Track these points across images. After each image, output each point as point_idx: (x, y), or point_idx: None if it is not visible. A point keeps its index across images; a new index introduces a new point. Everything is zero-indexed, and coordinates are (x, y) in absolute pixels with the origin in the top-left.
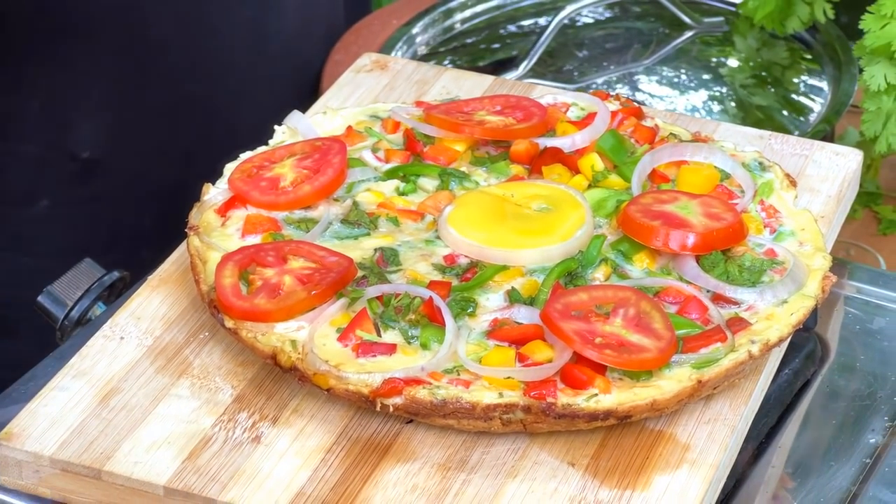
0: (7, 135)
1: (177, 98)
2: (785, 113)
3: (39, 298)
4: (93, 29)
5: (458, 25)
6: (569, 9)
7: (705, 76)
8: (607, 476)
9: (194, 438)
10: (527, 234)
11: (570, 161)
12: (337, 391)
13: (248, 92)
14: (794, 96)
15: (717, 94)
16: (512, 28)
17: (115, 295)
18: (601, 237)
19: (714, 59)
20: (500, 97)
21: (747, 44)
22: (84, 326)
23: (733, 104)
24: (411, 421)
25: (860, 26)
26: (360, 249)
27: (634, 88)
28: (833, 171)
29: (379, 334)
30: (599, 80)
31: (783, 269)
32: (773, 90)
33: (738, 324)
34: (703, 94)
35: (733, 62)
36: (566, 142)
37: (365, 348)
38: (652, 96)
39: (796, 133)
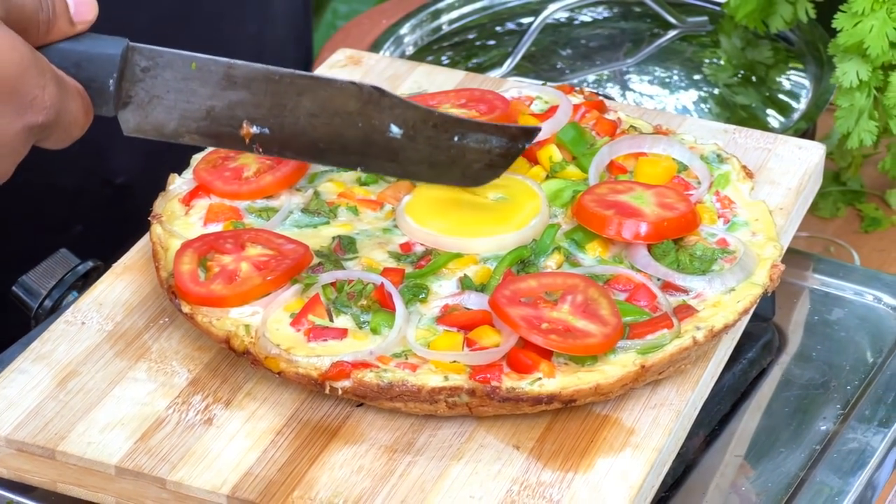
0: (47, 170)
1: None
2: (769, 112)
3: (14, 288)
4: None
5: (445, 26)
6: (551, 7)
7: (696, 76)
8: (551, 458)
9: (148, 420)
10: (481, 223)
11: (529, 152)
12: (287, 374)
13: None
14: (779, 95)
15: (707, 93)
16: (499, 29)
17: (89, 284)
18: (555, 226)
19: (707, 60)
20: (465, 91)
21: (732, 43)
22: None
23: (716, 104)
24: (361, 404)
25: (833, 25)
26: (319, 237)
27: (625, 87)
28: (794, 164)
29: (331, 319)
30: (591, 79)
31: (734, 258)
32: (756, 89)
33: (684, 311)
34: (692, 94)
35: (720, 62)
36: None
37: (316, 333)
38: (642, 95)
39: (777, 130)
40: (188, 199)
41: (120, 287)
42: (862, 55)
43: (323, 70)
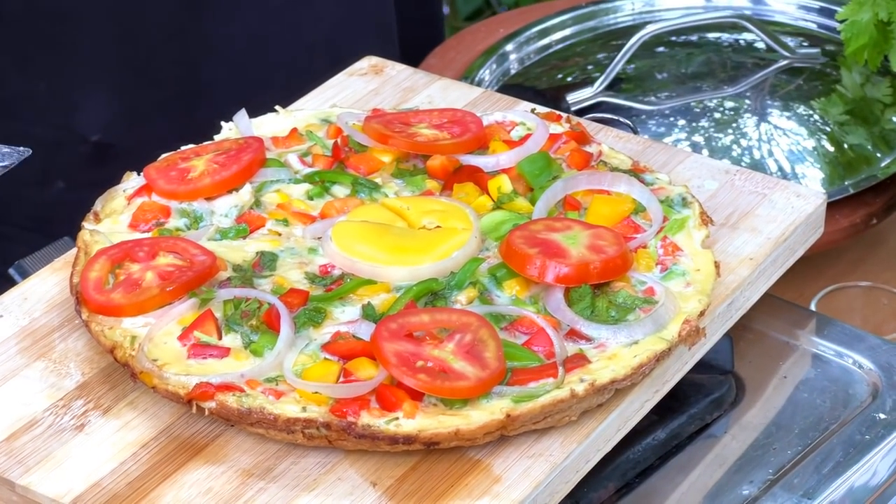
0: (19, 115)
1: (193, 85)
2: (878, 153)
3: (10, 270)
4: (93, 12)
5: (553, 45)
6: (650, 27)
7: (803, 110)
8: (403, 499)
9: (21, 421)
10: (402, 251)
11: (483, 180)
12: (160, 390)
13: (270, 80)
14: (892, 135)
15: (814, 128)
16: (602, 49)
17: None
18: (478, 260)
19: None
20: (449, 111)
21: (851, 77)
22: None
23: (827, 141)
24: (233, 425)
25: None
26: (244, 252)
27: (762, 119)
28: (785, 212)
29: (220, 337)
30: (728, 105)
31: (653, 308)
32: (868, 128)
33: (576, 360)
34: (799, 128)
35: (834, 97)
36: (490, 161)
37: (197, 350)
38: (776, 128)
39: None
40: (131, 197)
41: (52, 283)
42: None
43: (342, 76)
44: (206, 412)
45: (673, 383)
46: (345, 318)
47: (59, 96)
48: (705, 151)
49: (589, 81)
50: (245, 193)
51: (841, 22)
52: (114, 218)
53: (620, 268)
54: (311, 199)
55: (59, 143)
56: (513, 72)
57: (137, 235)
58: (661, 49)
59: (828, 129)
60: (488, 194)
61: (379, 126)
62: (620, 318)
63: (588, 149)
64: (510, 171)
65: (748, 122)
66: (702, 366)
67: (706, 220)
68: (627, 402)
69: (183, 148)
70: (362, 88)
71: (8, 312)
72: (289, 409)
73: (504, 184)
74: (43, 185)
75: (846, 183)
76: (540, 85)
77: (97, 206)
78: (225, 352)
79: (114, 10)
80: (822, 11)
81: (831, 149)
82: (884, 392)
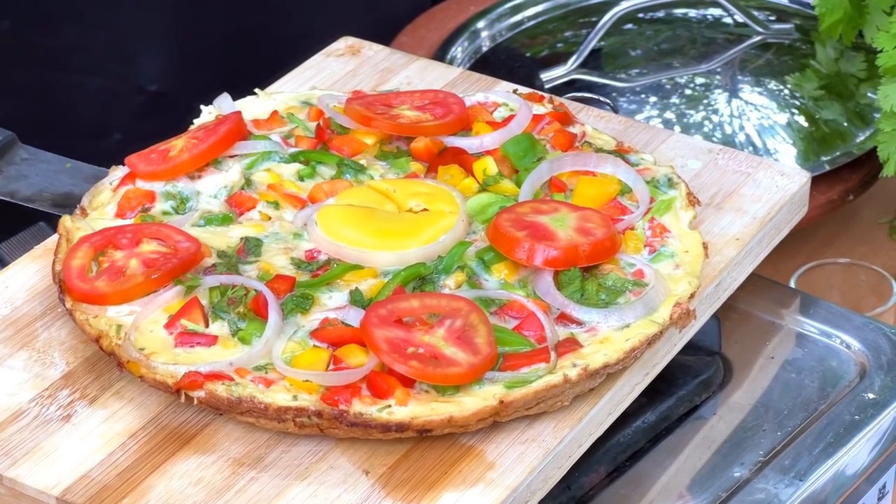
0: (75, 67)
1: (241, 29)
2: (853, 128)
3: None
4: None
5: (525, 21)
6: (624, 4)
7: (778, 85)
8: (396, 487)
9: (7, 412)
10: (388, 235)
11: (468, 162)
12: (147, 380)
13: (313, 25)
14: (866, 110)
15: (787, 103)
16: (574, 26)
17: None
18: (465, 244)
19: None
20: (430, 92)
21: (826, 53)
22: None
23: (801, 117)
24: (222, 414)
25: (873, 44)
26: (228, 238)
27: (733, 95)
28: (770, 192)
29: (207, 325)
30: (699, 81)
31: (644, 291)
32: (843, 103)
33: (568, 345)
34: (772, 104)
35: (808, 72)
36: (474, 142)
37: (184, 338)
38: (747, 104)
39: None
40: (117, 188)
41: (33, 270)
42: None
43: (319, 58)
44: (195, 401)
45: (662, 366)
46: (332, 303)
47: (117, 47)
48: (677, 128)
49: (562, 58)
50: (234, 173)
51: None
52: (100, 210)
53: (609, 250)
54: (301, 179)
55: (116, 94)
56: (484, 49)
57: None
58: (631, 26)
59: (801, 104)
60: (473, 176)
61: (361, 108)
62: (610, 302)
63: (572, 129)
64: (494, 152)
65: (720, 98)
66: (689, 347)
67: (693, 200)
68: (618, 385)
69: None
70: (340, 69)
71: None
72: (279, 397)
73: (489, 166)
74: (99, 137)
75: (823, 159)
76: (511, 62)
77: (84, 201)
78: (212, 340)
79: None
80: None
81: (805, 124)
82: (871, 372)
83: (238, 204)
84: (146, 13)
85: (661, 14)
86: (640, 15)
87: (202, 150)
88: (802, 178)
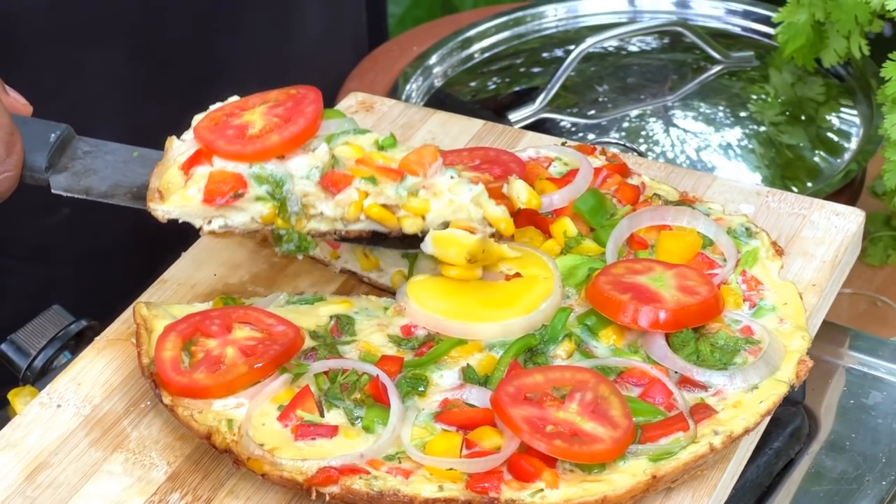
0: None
1: (196, 103)
2: (816, 152)
3: (2, 347)
4: (107, 31)
5: (477, 55)
6: (588, 41)
7: (742, 113)
8: None
9: None
10: (488, 305)
11: (543, 223)
12: (271, 477)
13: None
14: (828, 134)
15: (752, 131)
16: (533, 60)
17: (84, 343)
18: (567, 310)
19: (754, 96)
20: (479, 150)
21: (782, 78)
22: (48, 375)
23: (760, 143)
24: None
25: (881, 74)
26: (316, 316)
27: (669, 123)
28: (830, 233)
29: (322, 414)
30: (633, 114)
31: (758, 349)
32: (804, 128)
33: (702, 411)
34: (737, 132)
35: (767, 98)
36: (544, 202)
37: (304, 431)
38: (686, 132)
39: (824, 173)
40: (188, 167)
41: (101, 364)
42: None
43: None
44: (327, 497)
45: (767, 420)
46: (444, 382)
47: (70, 121)
48: (651, 156)
49: (523, 96)
50: (322, 153)
51: (776, 25)
52: (181, 194)
53: (715, 309)
54: (382, 149)
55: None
56: (437, 86)
57: (213, 210)
58: (592, 60)
59: (763, 130)
60: (551, 238)
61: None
62: (728, 362)
63: (631, 181)
64: (565, 210)
65: (684, 126)
66: None
67: (778, 250)
68: (740, 447)
69: (213, 106)
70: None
71: (65, 402)
72: (425, 488)
73: (569, 227)
74: (48, 214)
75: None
76: (463, 96)
77: (153, 182)
78: (333, 430)
79: (125, 29)
80: (745, 14)
81: (769, 150)
82: None
83: (333, 183)
84: (101, 86)
85: (619, 45)
86: (600, 49)
87: (294, 134)
88: (858, 216)
